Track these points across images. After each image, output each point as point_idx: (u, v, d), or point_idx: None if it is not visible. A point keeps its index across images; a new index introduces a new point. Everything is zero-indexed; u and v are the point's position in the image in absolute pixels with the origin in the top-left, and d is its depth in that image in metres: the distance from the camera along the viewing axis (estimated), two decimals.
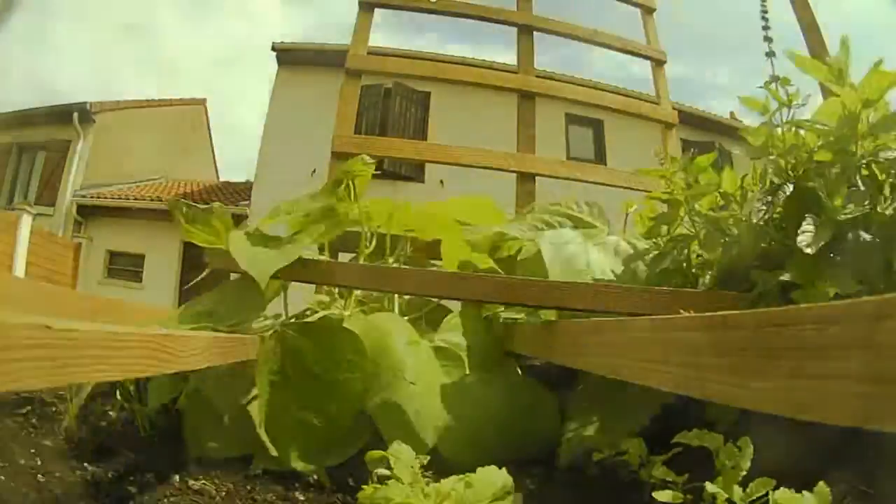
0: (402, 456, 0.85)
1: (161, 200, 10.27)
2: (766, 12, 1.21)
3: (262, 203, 7.07)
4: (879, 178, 0.98)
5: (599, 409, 1.12)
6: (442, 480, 0.80)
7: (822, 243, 0.91)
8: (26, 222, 8.41)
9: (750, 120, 1.27)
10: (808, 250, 0.90)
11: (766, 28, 1.19)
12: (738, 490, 0.74)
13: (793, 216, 0.99)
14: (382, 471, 0.84)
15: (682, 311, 0.78)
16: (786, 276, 0.95)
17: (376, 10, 2.18)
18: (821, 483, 0.71)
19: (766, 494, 0.72)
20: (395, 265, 1.50)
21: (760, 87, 1.11)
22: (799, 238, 0.92)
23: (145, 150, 12.16)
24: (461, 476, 0.80)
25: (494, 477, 0.82)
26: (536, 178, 1.96)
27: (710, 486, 0.76)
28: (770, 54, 1.15)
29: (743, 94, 1.16)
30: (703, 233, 1.19)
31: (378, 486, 0.80)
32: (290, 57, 9.90)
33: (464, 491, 0.77)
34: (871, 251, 0.92)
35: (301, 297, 1.46)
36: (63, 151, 10.61)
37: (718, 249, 1.14)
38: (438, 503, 0.75)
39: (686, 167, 1.23)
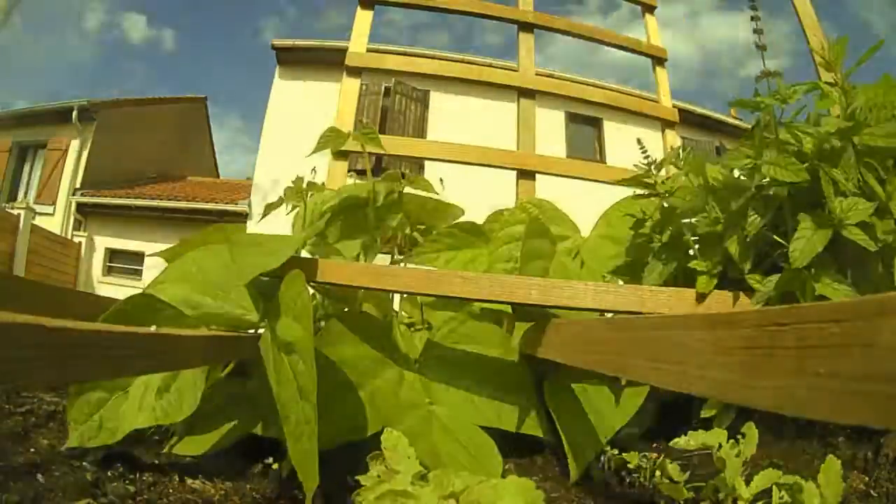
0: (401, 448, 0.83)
1: (161, 199, 10.27)
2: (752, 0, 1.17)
3: (262, 202, 7.06)
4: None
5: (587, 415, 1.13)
6: (455, 480, 0.73)
7: (815, 254, 0.87)
8: (26, 221, 8.41)
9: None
10: (799, 263, 0.88)
11: (755, 18, 1.15)
12: (741, 485, 0.74)
13: (790, 217, 0.98)
14: (379, 466, 0.83)
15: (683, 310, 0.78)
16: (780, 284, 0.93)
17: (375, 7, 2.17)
18: (830, 457, 0.70)
19: (771, 488, 0.72)
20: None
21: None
22: (791, 247, 0.90)
23: (145, 148, 12.15)
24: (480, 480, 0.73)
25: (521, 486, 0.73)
26: (536, 175, 1.95)
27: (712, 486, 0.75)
28: (761, 48, 1.11)
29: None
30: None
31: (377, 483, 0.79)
32: (289, 55, 9.87)
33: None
34: (870, 258, 0.90)
35: None
36: (63, 151, 10.60)
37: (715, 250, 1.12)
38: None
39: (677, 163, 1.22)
